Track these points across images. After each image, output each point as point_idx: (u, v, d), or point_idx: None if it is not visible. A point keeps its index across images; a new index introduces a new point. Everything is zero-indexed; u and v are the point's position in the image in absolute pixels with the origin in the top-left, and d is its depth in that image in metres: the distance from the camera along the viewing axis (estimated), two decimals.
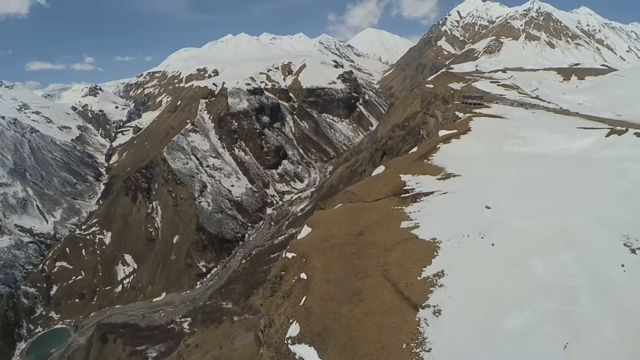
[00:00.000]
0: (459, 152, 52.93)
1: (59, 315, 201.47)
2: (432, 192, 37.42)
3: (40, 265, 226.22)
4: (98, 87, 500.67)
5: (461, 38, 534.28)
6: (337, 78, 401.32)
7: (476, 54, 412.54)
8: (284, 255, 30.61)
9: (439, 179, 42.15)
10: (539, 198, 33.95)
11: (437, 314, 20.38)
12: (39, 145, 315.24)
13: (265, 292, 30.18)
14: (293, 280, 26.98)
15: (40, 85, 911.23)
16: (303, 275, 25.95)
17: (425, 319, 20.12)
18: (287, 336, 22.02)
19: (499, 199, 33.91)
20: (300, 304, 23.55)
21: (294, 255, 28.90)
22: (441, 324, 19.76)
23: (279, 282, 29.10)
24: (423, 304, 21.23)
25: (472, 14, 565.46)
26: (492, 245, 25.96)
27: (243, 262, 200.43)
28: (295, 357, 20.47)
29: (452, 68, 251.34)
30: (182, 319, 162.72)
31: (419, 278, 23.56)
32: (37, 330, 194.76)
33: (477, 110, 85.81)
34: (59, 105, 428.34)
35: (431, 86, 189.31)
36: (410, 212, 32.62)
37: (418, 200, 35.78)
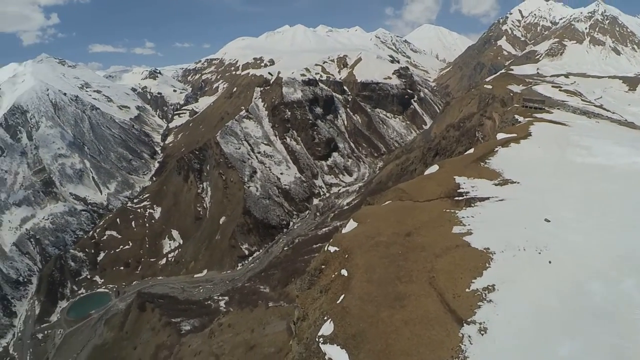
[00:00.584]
0: (518, 157, 50.10)
1: (102, 280, 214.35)
2: (488, 198, 35.40)
3: (91, 232, 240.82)
4: (157, 71, 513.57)
5: (522, 38, 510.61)
6: (393, 73, 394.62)
7: (537, 56, 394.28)
8: (326, 249, 29.83)
9: (495, 185, 40.00)
10: (604, 214, 31.26)
11: (482, 332, 18.71)
12: (98, 122, 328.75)
13: (303, 284, 29.58)
14: (333, 276, 26.22)
15: (102, 67, 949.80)
16: (344, 272, 25.13)
17: (470, 336, 18.53)
18: (320, 334, 21.33)
19: (559, 212, 31.49)
20: (338, 301, 22.71)
21: (337, 249, 28.10)
22: (486, 344, 18.15)
23: (317, 276, 28.42)
24: (469, 319, 19.57)
25: (535, 14, 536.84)
26: (549, 262, 23.92)
27: (285, 249, 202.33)
28: (325, 358, 19.70)
29: (511, 69, 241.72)
30: (220, 297, 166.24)
31: (467, 290, 21.88)
32: (80, 292, 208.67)
33: (538, 115, 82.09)
34: (119, 86, 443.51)
35: (490, 87, 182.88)
36: (463, 217, 30.85)
37: (472, 205, 33.88)
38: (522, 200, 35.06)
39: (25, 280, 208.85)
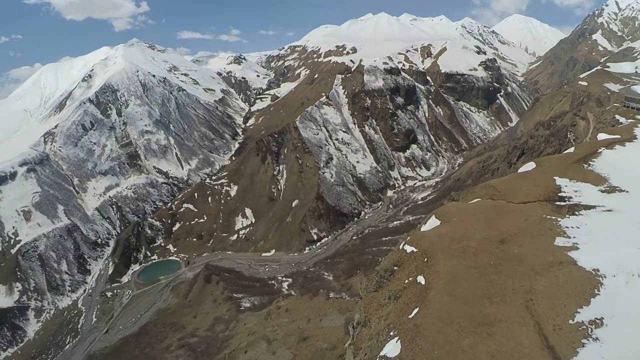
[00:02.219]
0: (625, 162, 42.83)
1: (175, 249, 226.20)
2: (594, 207, 29.70)
3: (169, 204, 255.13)
4: (242, 57, 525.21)
5: (619, 33, 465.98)
6: (479, 65, 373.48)
7: (635, 54, 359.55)
8: (400, 247, 25.86)
9: (602, 192, 33.97)
10: None
11: None
12: (184, 102, 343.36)
13: (369, 285, 25.72)
14: (406, 281, 22.38)
15: (190, 52, 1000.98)
16: (421, 279, 21.10)
17: None
18: (382, 353, 17.68)
19: None
20: (410, 315, 18.64)
21: (414, 250, 24.04)
22: None
23: (388, 278, 24.53)
24: None
25: (632, 7, 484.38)
26: None
27: (354, 238, 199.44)
28: None
29: (608, 67, 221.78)
30: (284, 278, 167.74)
31: (570, 322, 17.31)
32: (152, 258, 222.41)
33: None
34: (205, 70, 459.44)
35: (584, 84, 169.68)
36: (567, 227, 25.68)
37: (577, 213, 28.43)
38: (634, 213, 29.17)
39: (103, 242, 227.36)
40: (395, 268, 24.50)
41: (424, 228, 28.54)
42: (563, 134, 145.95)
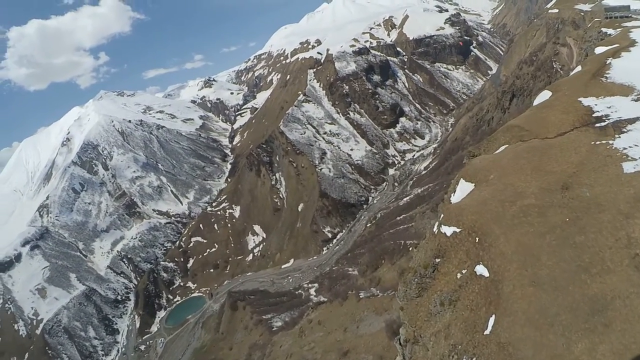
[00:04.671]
0: (638, 66, 38.78)
1: (195, 285, 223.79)
2: (638, 118, 25.10)
3: (177, 242, 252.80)
4: (212, 79, 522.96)
5: None
6: (445, 23, 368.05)
7: None
8: (436, 231, 20.13)
9: (635, 100, 29.57)
10: None
11: None
12: (166, 139, 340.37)
13: (409, 289, 19.83)
14: (459, 275, 16.83)
15: (160, 89, 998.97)
16: (481, 270, 15.67)
17: None
18: None
19: None
20: (486, 330, 13.39)
21: (457, 230, 18.38)
22: None
23: (431, 276, 18.80)
24: None
25: None
26: None
27: (368, 225, 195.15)
28: None
29: None
30: (309, 285, 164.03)
31: None
32: (175, 300, 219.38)
33: (628, 24, 69.53)
34: (179, 102, 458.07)
35: (555, 11, 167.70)
36: (625, 148, 20.73)
37: (624, 129, 23.70)
38: None
39: (123, 298, 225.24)
40: (438, 260, 18.87)
41: (455, 198, 23.03)
42: (548, 65, 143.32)
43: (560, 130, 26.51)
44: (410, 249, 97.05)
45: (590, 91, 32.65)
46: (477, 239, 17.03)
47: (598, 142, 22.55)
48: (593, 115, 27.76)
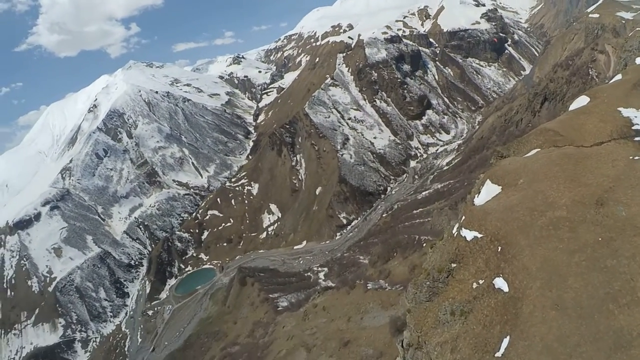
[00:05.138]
0: None
1: (207, 257, 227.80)
2: None
3: (194, 214, 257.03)
4: (241, 56, 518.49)
5: None
6: (481, 17, 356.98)
7: None
8: (455, 233, 18.77)
9: None
10: None
11: None
12: (191, 112, 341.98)
13: (419, 293, 18.70)
14: (475, 285, 15.63)
15: (189, 63, 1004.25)
16: (500, 283, 14.47)
17: None
18: None
19: None
20: (498, 352, 12.17)
21: (478, 235, 17.04)
22: None
23: (444, 281, 17.50)
24: None
25: None
26: None
27: (384, 215, 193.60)
28: None
29: None
30: (319, 268, 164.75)
31: None
32: (186, 270, 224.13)
33: None
34: (207, 76, 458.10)
35: (596, 16, 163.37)
36: None
37: None
38: None
39: (137, 263, 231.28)
40: (454, 265, 17.60)
41: (479, 200, 21.28)
42: (584, 71, 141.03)
43: (597, 140, 24.91)
44: (425, 245, 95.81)
45: (630, 102, 31.05)
46: (499, 248, 15.78)
47: (637, 157, 20.95)
48: (632, 127, 26.17)
